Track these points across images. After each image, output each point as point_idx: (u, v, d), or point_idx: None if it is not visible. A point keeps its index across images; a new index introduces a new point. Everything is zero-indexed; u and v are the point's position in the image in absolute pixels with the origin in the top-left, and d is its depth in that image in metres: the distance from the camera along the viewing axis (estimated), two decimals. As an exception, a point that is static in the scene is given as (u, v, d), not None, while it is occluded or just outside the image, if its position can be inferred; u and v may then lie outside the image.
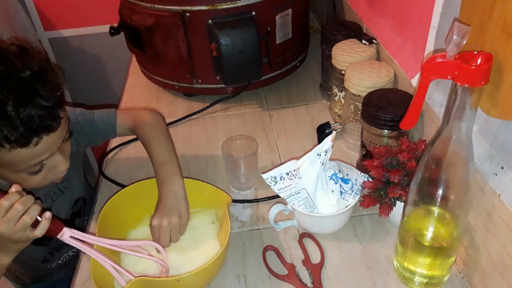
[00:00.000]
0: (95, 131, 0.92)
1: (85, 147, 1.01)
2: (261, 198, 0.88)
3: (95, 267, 0.67)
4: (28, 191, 0.65)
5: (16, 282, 1.10)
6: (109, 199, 0.78)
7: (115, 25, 1.17)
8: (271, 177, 0.77)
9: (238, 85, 1.12)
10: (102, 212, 0.75)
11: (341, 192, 0.77)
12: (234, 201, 0.86)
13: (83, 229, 0.93)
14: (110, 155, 1.03)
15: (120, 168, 0.99)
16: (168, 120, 1.11)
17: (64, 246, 0.98)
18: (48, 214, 0.63)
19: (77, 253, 0.97)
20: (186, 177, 0.83)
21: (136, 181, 0.82)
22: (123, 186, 0.89)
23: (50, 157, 0.71)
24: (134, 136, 1.03)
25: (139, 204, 0.81)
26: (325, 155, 0.75)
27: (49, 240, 0.95)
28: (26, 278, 1.07)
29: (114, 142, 1.06)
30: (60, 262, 1.01)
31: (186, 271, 0.66)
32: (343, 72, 0.95)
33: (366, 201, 0.75)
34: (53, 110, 0.66)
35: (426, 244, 0.66)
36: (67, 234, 0.65)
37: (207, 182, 0.81)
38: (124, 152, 1.04)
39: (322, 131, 0.99)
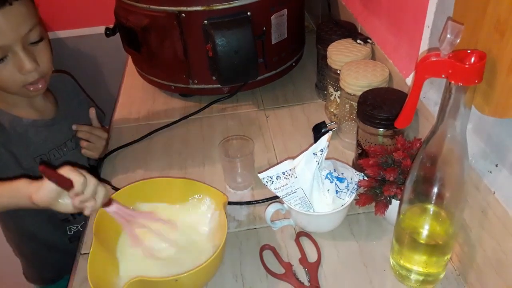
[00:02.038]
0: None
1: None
2: (257, 200, 0.88)
3: (92, 268, 0.67)
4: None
5: (36, 283, 1.13)
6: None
7: (111, 26, 1.17)
8: (267, 176, 0.77)
9: (234, 85, 1.12)
10: (98, 215, 0.75)
11: (336, 191, 0.78)
12: (231, 202, 0.87)
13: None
14: (106, 158, 1.03)
15: (117, 171, 0.99)
16: (164, 121, 1.12)
17: None
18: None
19: None
20: (182, 178, 0.83)
21: (130, 183, 0.82)
22: (118, 189, 0.89)
23: (12, 51, 0.78)
24: (131, 140, 1.06)
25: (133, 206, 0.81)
26: (321, 154, 0.76)
27: None
28: (47, 269, 1.10)
29: (111, 145, 1.06)
30: (79, 228, 1.04)
31: (183, 271, 0.66)
32: (338, 71, 0.96)
33: (361, 199, 0.75)
34: None
35: (421, 242, 0.66)
36: (113, 207, 0.71)
37: (203, 182, 0.81)
38: (120, 155, 1.04)
39: (318, 131, 0.99)
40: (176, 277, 0.64)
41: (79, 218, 1.05)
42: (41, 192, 0.65)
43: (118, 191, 0.81)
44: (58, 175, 0.63)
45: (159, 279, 0.68)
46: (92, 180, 0.67)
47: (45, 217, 0.99)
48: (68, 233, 1.05)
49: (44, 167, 0.60)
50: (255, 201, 0.87)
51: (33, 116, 0.94)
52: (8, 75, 0.81)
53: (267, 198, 0.87)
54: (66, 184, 0.64)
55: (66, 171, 0.64)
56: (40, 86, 0.86)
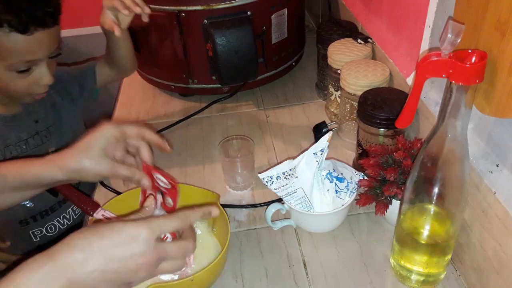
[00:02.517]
0: (78, 70, 1.06)
1: (80, 101, 1.07)
2: (257, 204, 0.87)
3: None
4: None
5: None
6: (103, 205, 0.77)
7: (111, 25, 1.17)
8: (268, 176, 0.77)
9: (234, 85, 1.12)
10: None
11: (336, 190, 0.78)
12: (231, 205, 0.87)
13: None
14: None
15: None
16: (164, 121, 1.12)
17: (50, 213, 1.00)
18: None
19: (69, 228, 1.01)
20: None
21: (130, 189, 0.81)
22: (117, 193, 0.88)
23: (38, 64, 0.82)
24: None
25: (130, 211, 0.80)
26: (321, 154, 0.76)
27: (55, 195, 0.99)
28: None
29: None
30: (46, 233, 1.01)
31: (190, 271, 0.65)
32: (338, 71, 0.96)
33: (362, 199, 0.75)
34: (52, 11, 0.81)
35: (422, 242, 0.66)
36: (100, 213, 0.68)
37: (192, 185, 0.81)
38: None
39: (319, 131, 0.99)
40: (192, 276, 0.64)
41: (41, 221, 1.00)
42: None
43: (108, 202, 0.79)
44: None
45: (175, 282, 0.67)
46: None
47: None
48: (34, 240, 1.01)
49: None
50: (257, 204, 0.87)
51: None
52: (25, 85, 0.84)
53: (269, 202, 0.85)
54: None
55: None
56: (43, 96, 0.89)
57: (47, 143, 0.97)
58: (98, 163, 0.64)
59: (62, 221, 1.02)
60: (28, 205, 0.97)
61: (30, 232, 1.00)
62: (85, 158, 0.63)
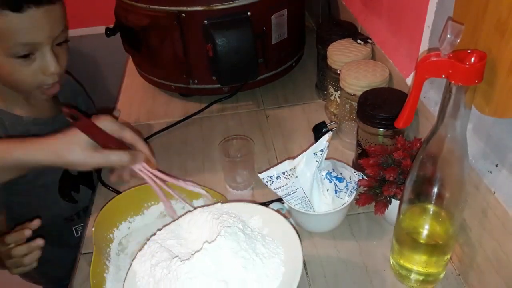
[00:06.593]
0: None
1: None
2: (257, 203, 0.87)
3: (95, 271, 0.66)
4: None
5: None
6: (105, 205, 0.78)
7: (111, 26, 1.17)
8: (268, 176, 0.77)
9: (234, 85, 1.12)
10: (98, 217, 0.75)
11: (336, 190, 0.78)
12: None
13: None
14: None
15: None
16: (164, 121, 1.12)
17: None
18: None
19: None
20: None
21: (130, 188, 0.82)
22: (118, 192, 0.88)
23: (41, 50, 0.77)
24: None
25: (133, 209, 0.81)
26: (321, 154, 0.76)
27: (74, 202, 1.00)
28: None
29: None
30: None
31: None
32: (338, 71, 0.96)
33: (361, 199, 0.75)
34: None
35: (422, 241, 0.66)
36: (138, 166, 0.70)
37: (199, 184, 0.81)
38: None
39: (319, 131, 0.99)
40: None
41: (84, 217, 1.02)
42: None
43: (119, 195, 0.80)
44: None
45: None
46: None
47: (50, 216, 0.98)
48: (75, 235, 1.03)
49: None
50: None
51: (33, 113, 0.92)
52: (30, 74, 0.79)
53: (269, 202, 0.86)
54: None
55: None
56: (54, 90, 0.86)
57: None
58: (90, 156, 0.64)
59: None
60: (74, 203, 0.99)
61: (73, 228, 1.02)
62: (79, 149, 0.64)
